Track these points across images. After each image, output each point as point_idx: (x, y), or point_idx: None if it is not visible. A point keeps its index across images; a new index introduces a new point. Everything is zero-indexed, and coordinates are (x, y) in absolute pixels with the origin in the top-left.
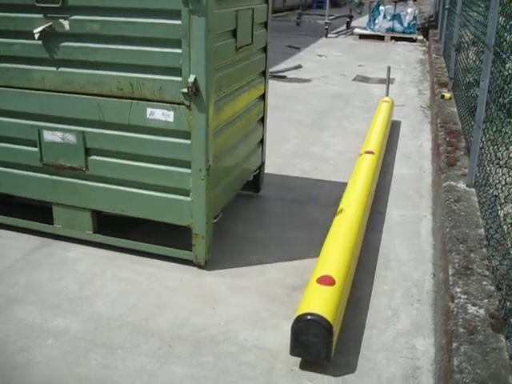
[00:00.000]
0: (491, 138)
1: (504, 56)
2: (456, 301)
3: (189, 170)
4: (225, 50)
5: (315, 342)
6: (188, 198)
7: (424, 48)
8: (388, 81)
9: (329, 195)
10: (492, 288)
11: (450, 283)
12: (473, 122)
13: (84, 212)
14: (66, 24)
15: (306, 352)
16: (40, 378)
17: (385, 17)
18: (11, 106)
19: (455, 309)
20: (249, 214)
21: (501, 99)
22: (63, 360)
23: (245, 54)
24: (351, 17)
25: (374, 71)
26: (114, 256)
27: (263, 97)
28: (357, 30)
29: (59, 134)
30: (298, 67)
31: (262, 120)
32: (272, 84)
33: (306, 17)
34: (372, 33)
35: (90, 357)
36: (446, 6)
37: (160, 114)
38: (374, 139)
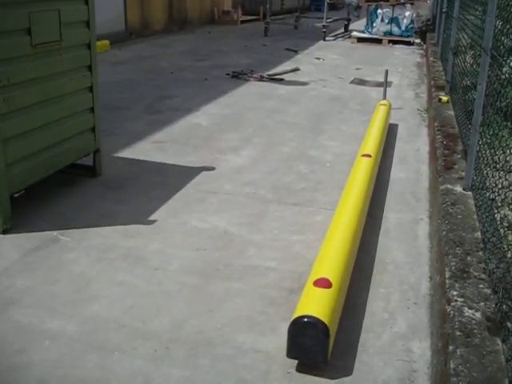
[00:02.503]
0: (488, 141)
1: (501, 60)
2: (452, 304)
3: None
4: (13, 46)
5: (312, 344)
6: None
7: (421, 51)
8: (385, 84)
9: (325, 198)
10: (488, 291)
11: (447, 286)
12: (470, 126)
13: None
14: None
15: (302, 355)
16: (37, 379)
17: (382, 20)
18: None
19: (452, 312)
20: None
21: (498, 103)
22: (60, 362)
23: (50, 50)
24: (349, 20)
25: (372, 74)
26: (111, 258)
27: (91, 89)
28: (354, 33)
29: None
30: (296, 70)
31: (92, 110)
32: (270, 87)
33: (304, 20)
34: (370, 36)
35: (87, 359)
36: (444, 10)
37: None
38: (372, 142)
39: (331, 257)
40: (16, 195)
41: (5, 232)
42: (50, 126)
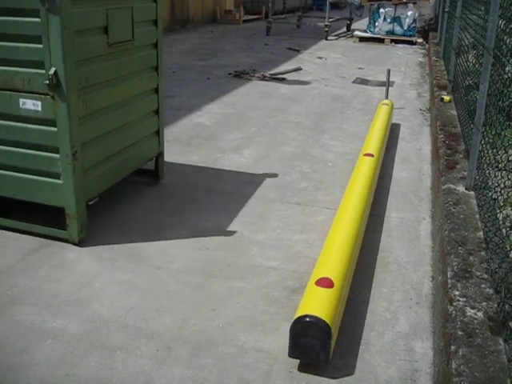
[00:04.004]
0: (490, 141)
1: (504, 59)
2: (455, 304)
3: (57, 155)
4: (91, 46)
5: (314, 344)
6: (59, 181)
7: (424, 51)
8: (388, 83)
9: (327, 197)
10: (491, 291)
11: (449, 286)
12: (472, 125)
13: None
14: None
15: (304, 354)
16: (39, 379)
17: (385, 19)
18: None
19: (454, 312)
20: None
21: (500, 102)
22: (62, 361)
23: (123, 50)
24: (351, 19)
25: (374, 74)
26: (113, 257)
27: (156, 90)
28: (357, 33)
29: None
30: (298, 69)
31: (157, 112)
32: (272, 86)
33: (306, 19)
34: (372, 35)
35: (89, 358)
36: (446, 9)
37: (31, 104)
38: (374, 142)
39: (333, 256)
40: (90, 203)
41: (80, 242)
42: (121, 129)
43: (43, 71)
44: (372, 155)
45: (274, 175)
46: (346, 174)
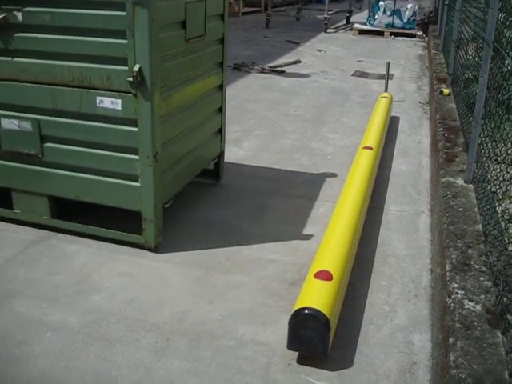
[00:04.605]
0: (490, 134)
1: (503, 52)
2: (453, 296)
3: (137, 157)
4: (172, 41)
5: (312, 336)
6: (137, 184)
7: (423, 44)
8: (387, 76)
9: (326, 190)
10: (489, 284)
11: (448, 279)
12: (471, 118)
13: (41, 197)
14: (19, 15)
15: (303, 346)
16: (38, 371)
17: (384, 12)
18: None
19: (452, 304)
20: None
21: (500, 95)
22: (62, 353)
23: (197, 45)
24: (351, 12)
25: (373, 67)
26: (111, 249)
27: (221, 87)
28: (356, 26)
29: (16, 121)
30: (297, 62)
31: (221, 110)
32: (271, 79)
33: (306, 12)
34: (371, 28)
35: (89, 350)
36: (446, 2)
37: (109, 103)
38: (373, 135)
39: (332, 249)
40: (166, 206)
41: (156, 248)
42: (193, 128)
43: (125, 68)
44: (371, 148)
45: (273, 168)
46: (345, 167)
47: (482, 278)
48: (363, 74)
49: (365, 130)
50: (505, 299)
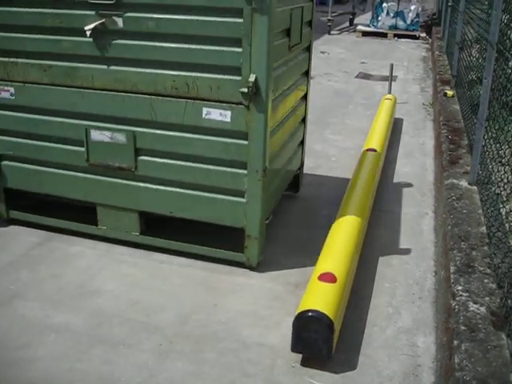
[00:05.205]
0: (494, 135)
1: (507, 54)
2: (457, 298)
3: (244, 171)
4: (280, 49)
5: (316, 338)
6: (243, 200)
7: (427, 45)
8: (390, 78)
9: (331, 192)
10: (493, 286)
11: (452, 281)
12: (475, 120)
13: (131, 213)
14: (119, 21)
15: (306, 349)
16: (42, 373)
17: (388, 14)
18: (56, 104)
19: (456, 306)
20: None
21: (503, 97)
22: (65, 356)
23: (294, 54)
24: (354, 14)
25: (377, 68)
26: (115, 251)
27: (305, 97)
28: (360, 27)
29: (108, 133)
30: None
31: (304, 120)
32: None
33: None
34: (375, 30)
35: (92, 352)
36: (449, 4)
37: (217, 114)
38: (377, 137)
39: (336, 251)
40: (266, 221)
41: (258, 266)
42: (288, 140)
43: (237, 77)
44: (375, 150)
45: None
46: (348, 169)
47: (486, 280)
48: (367, 76)
49: (368, 131)
50: (509, 301)
